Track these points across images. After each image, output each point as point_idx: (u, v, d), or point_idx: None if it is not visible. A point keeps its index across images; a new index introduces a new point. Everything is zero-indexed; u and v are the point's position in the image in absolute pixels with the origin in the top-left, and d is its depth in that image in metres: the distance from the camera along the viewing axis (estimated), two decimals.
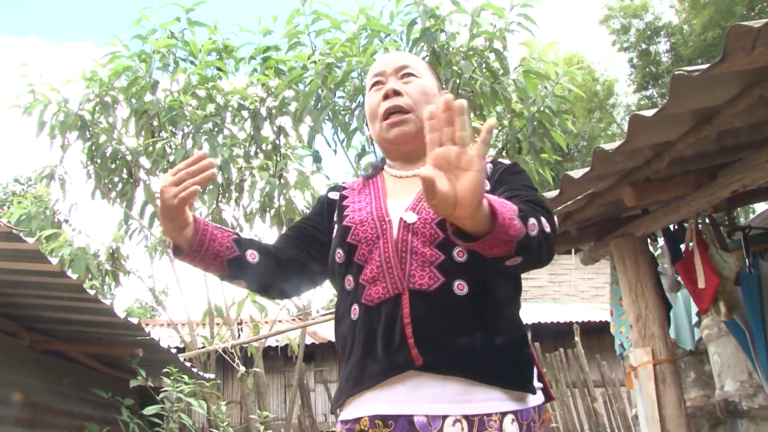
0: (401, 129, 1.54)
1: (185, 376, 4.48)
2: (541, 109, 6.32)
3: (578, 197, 3.27)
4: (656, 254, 4.42)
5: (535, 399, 1.38)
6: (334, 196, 1.64)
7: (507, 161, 1.57)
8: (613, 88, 22.12)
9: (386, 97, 1.56)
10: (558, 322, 9.77)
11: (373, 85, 1.63)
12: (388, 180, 1.60)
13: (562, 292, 12.86)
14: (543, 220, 1.26)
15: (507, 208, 1.17)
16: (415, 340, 1.31)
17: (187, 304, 14.54)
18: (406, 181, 1.56)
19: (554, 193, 3.31)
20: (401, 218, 1.43)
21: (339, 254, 1.47)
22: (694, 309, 4.48)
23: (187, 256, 1.40)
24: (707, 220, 3.48)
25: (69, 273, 3.30)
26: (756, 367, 3.71)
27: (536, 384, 1.40)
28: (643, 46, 20.05)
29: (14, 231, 2.56)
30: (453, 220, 1.14)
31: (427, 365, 1.31)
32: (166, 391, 4.40)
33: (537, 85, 6.28)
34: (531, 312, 10.85)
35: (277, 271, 1.50)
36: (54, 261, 2.96)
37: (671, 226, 3.79)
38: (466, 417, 1.29)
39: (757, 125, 2.76)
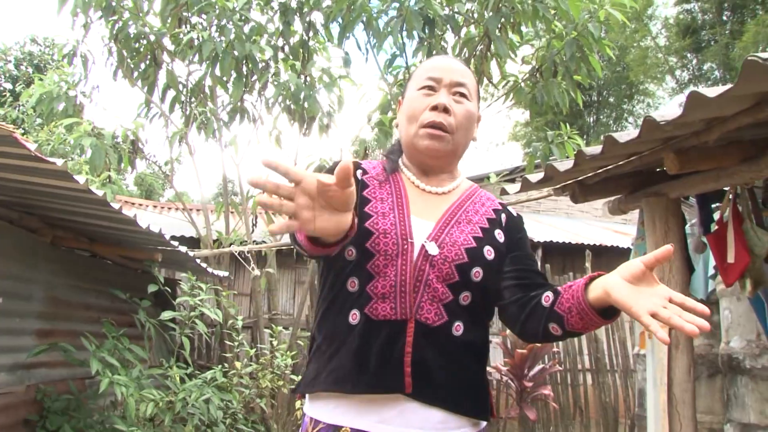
0: (435, 144, 1.54)
1: (202, 285, 4.54)
2: (582, 33, 6.08)
3: (620, 162, 3.17)
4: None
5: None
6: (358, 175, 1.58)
7: (514, 212, 1.66)
8: None
9: (434, 108, 1.53)
10: (569, 242, 9.79)
11: (424, 86, 1.58)
12: (410, 188, 1.58)
13: (575, 208, 12.85)
14: None
15: None
16: (411, 370, 1.39)
17: (202, 184, 14.59)
18: (428, 198, 1.58)
19: (596, 149, 3.21)
20: (423, 246, 1.45)
21: (350, 252, 1.45)
22: (713, 261, 4.45)
23: (329, 248, 1.28)
24: (746, 192, 3.37)
25: (95, 186, 3.25)
26: (767, 333, 3.73)
27: None
28: None
29: (41, 156, 2.52)
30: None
31: (415, 393, 1.39)
32: (182, 298, 4.47)
33: (580, 8, 6.00)
34: (543, 229, 10.88)
35: None
36: (81, 180, 2.92)
37: None
38: None
39: None
